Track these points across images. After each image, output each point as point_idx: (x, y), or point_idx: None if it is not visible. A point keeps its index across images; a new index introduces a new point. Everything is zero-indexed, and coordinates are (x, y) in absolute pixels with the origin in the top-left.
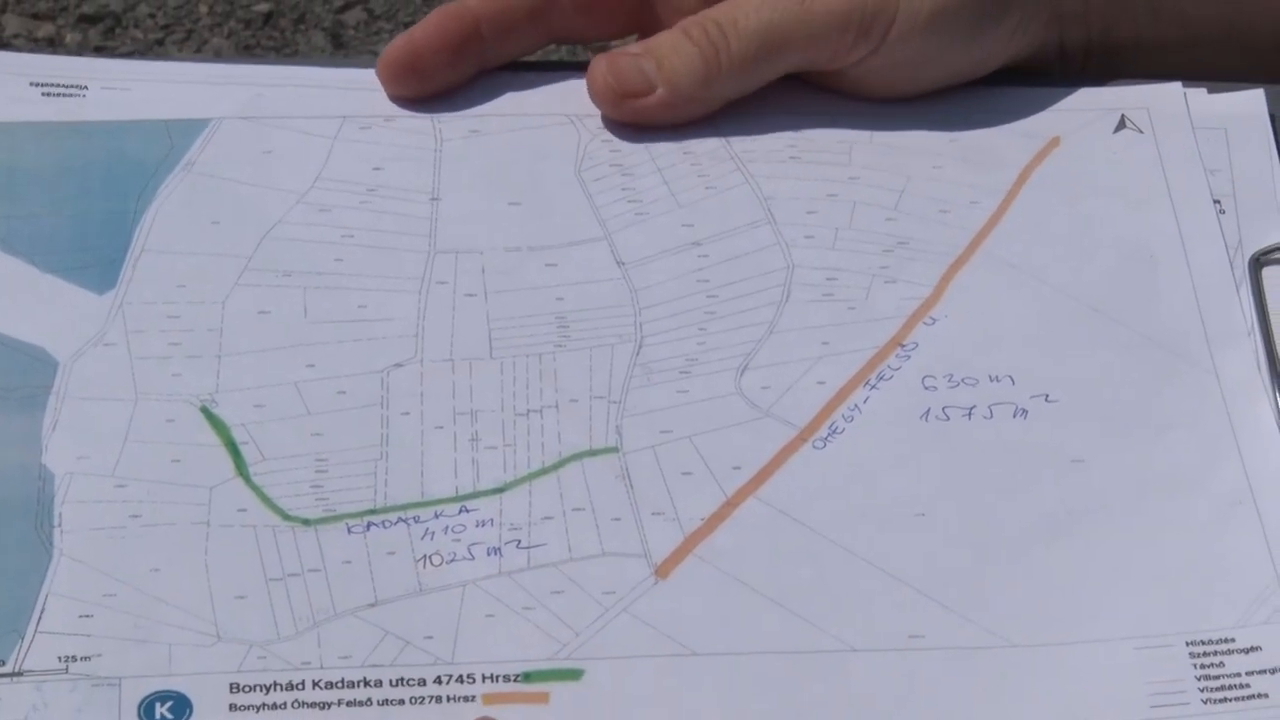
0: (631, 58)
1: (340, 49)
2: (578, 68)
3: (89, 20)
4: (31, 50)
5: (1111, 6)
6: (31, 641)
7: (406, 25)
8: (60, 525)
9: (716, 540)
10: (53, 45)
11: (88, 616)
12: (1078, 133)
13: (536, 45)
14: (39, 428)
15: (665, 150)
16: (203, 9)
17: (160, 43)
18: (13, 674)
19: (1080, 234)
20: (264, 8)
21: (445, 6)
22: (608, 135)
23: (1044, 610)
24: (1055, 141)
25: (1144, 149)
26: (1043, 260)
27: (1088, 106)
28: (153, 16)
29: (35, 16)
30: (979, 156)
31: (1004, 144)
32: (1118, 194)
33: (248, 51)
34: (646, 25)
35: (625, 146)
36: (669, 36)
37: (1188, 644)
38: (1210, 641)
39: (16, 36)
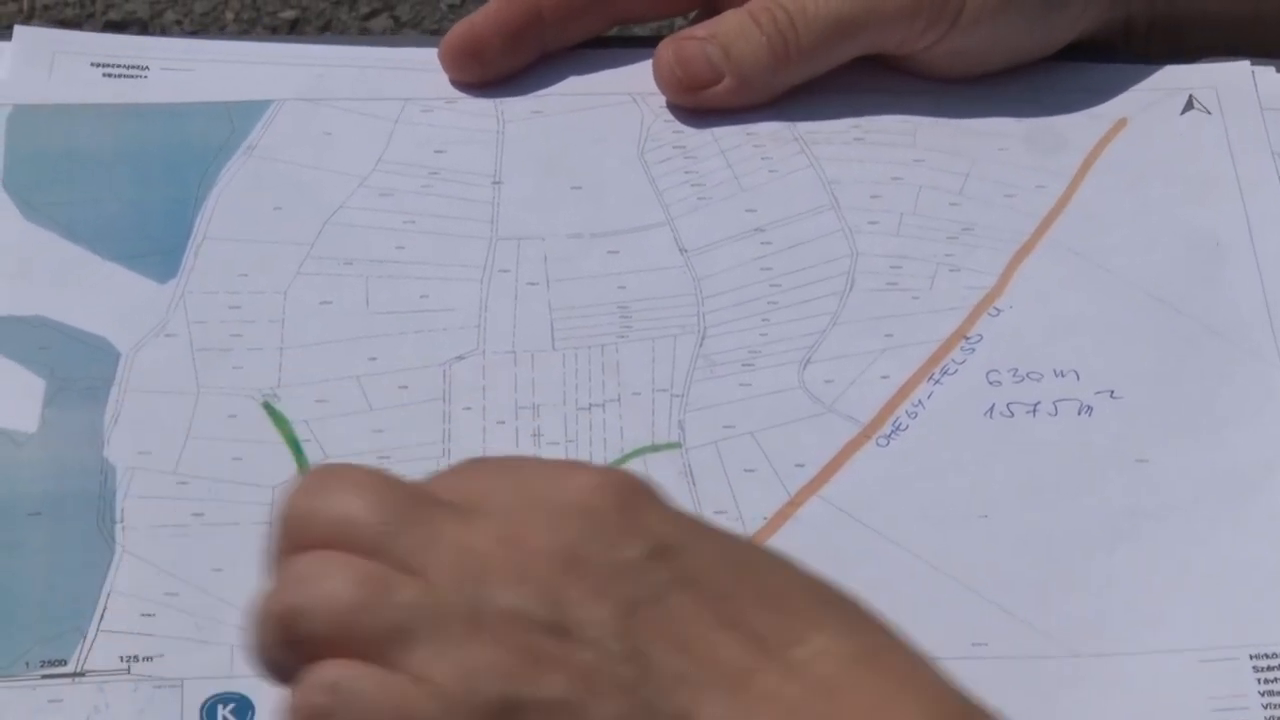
0: (698, 43)
1: None
2: (639, 43)
3: (115, 26)
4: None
5: None
6: (94, 641)
7: (433, 33)
8: (122, 521)
9: (778, 541)
10: None
11: (150, 616)
12: (1144, 114)
13: (599, 29)
14: (100, 420)
15: (728, 132)
16: (229, 15)
17: None
18: (75, 674)
19: (1145, 220)
20: (290, 15)
21: None
22: (670, 116)
23: (1106, 619)
24: (1122, 123)
25: (1211, 131)
26: (1107, 248)
27: (1155, 86)
28: (179, 23)
29: (62, 22)
30: (1045, 138)
31: (1070, 125)
32: (1183, 179)
33: None
34: (712, 1)
35: (688, 128)
36: (736, 20)
37: (1251, 657)
38: (1274, 655)
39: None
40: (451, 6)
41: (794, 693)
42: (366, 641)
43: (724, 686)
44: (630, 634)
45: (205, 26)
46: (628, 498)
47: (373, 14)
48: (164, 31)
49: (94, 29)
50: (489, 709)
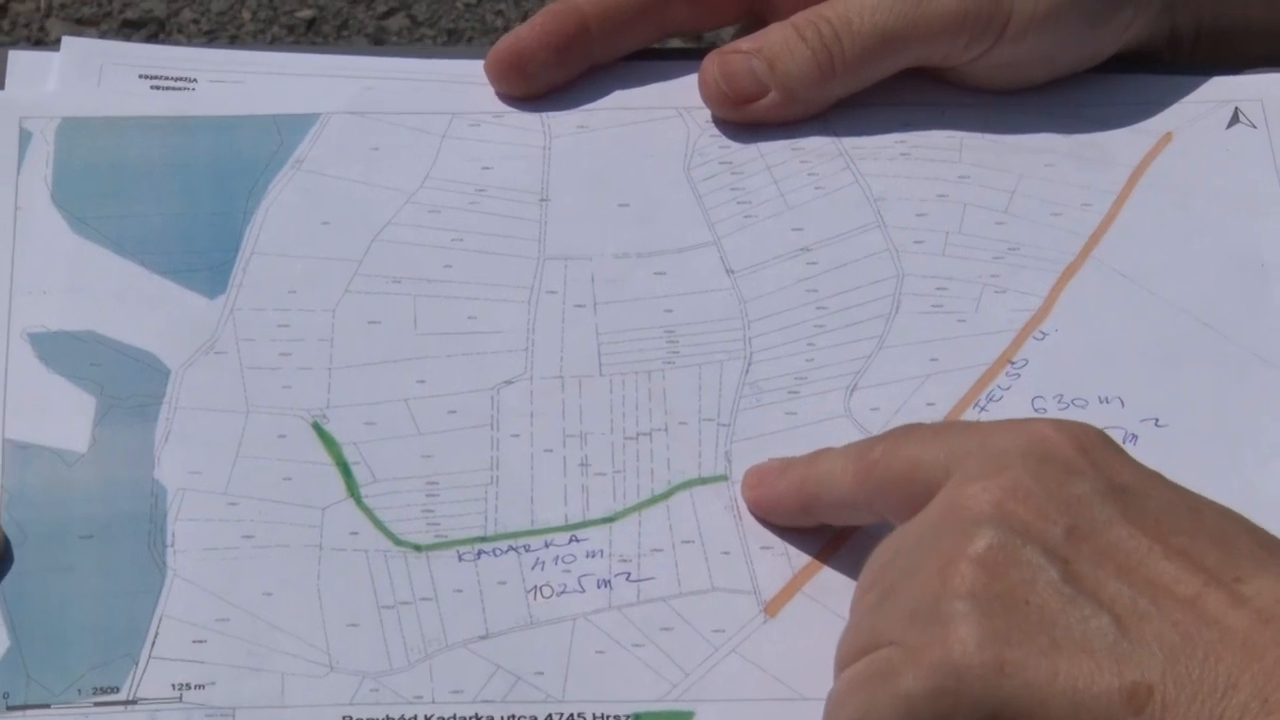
0: (743, 57)
1: None
2: (685, 55)
3: (132, 25)
4: None
5: None
6: (146, 667)
7: (449, 31)
8: (173, 545)
9: (825, 577)
10: None
11: (201, 642)
12: (1190, 127)
13: (647, 41)
14: (151, 440)
15: (774, 147)
16: (245, 15)
17: None
18: (127, 701)
19: (1190, 240)
20: (307, 14)
21: (552, 5)
22: (715, 130)
23: None
24: (1168, 138)
25: (1257, 145)
26: (1152, 268)
27: (1201, 99)
28: (196, 22)
29: (79, 21)
30: (1091, 153)
31: (1116, 140)
32: (1229, 196)
33: None
34: (759, 11)
35: (734, 143)
36: (781, 34)
37: None
38: None
39: (59, 42)
40: (468, 6)
41: (1240, 619)
42: None
43: (1166, 605)
44: (1071, 556)
45: (222, 25)
46: (1085, 442)
47: (389, 13)
48: (180, 30)
49: (111, 27)
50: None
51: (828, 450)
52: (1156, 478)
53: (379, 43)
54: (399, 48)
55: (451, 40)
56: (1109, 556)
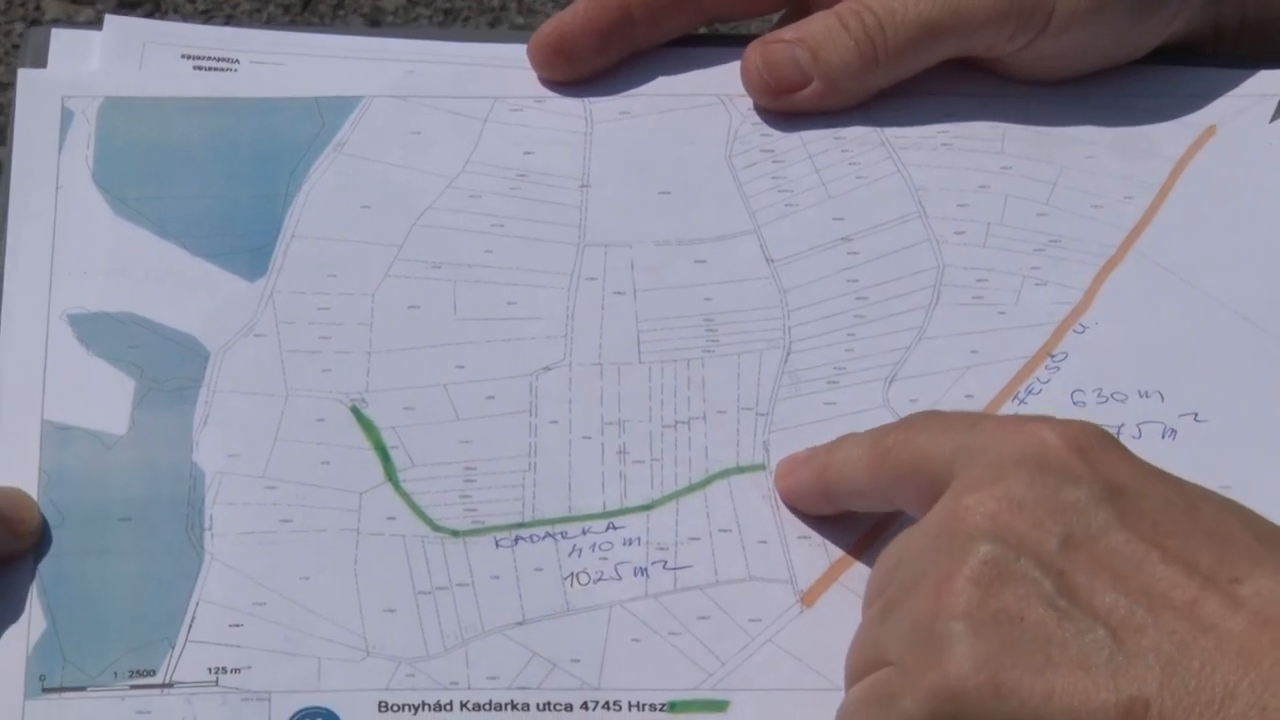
0: (786, 46)
1: None
2: (728, 42)
3: (128, 5)
4: None
5: None
6: (182, 651)
7: (445, 11)
8: (211, 528)
9: (862, 568)
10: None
11: (238, 626)
12: (1233, 120)
13: (688, 28)
14: (190, 423)
15: (816, 136)
16: None
17: None
18: (163, 685)
19: (1232, 235)
20: None
21: None
22: (757, 119)
23: None
24: (1211, 131)
25: None
26: (1194, 263)
27: (1245, 92)
28: (191, 1)
29: (74, 1)
30: (1133, 145)
31: (1159, 133)
32: (1272, 191)
33: None
34: (802, 0)
35: (776, 131)
36: (824, 23)
37: None
38: None
39: (55, 21)
40: None
41: (1237, 623)
42: None
43: (1162, 614)
44: (1066, 567)
45: (217, 4)
46: (1083, 444)
47: None
48: (176, 9)
49: (106, 6)
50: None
51: (848, 437)
52: (1155, 474)
53: (375, 22)
54: (441, 30)
55: (448, 19)
56: (1105, 565)
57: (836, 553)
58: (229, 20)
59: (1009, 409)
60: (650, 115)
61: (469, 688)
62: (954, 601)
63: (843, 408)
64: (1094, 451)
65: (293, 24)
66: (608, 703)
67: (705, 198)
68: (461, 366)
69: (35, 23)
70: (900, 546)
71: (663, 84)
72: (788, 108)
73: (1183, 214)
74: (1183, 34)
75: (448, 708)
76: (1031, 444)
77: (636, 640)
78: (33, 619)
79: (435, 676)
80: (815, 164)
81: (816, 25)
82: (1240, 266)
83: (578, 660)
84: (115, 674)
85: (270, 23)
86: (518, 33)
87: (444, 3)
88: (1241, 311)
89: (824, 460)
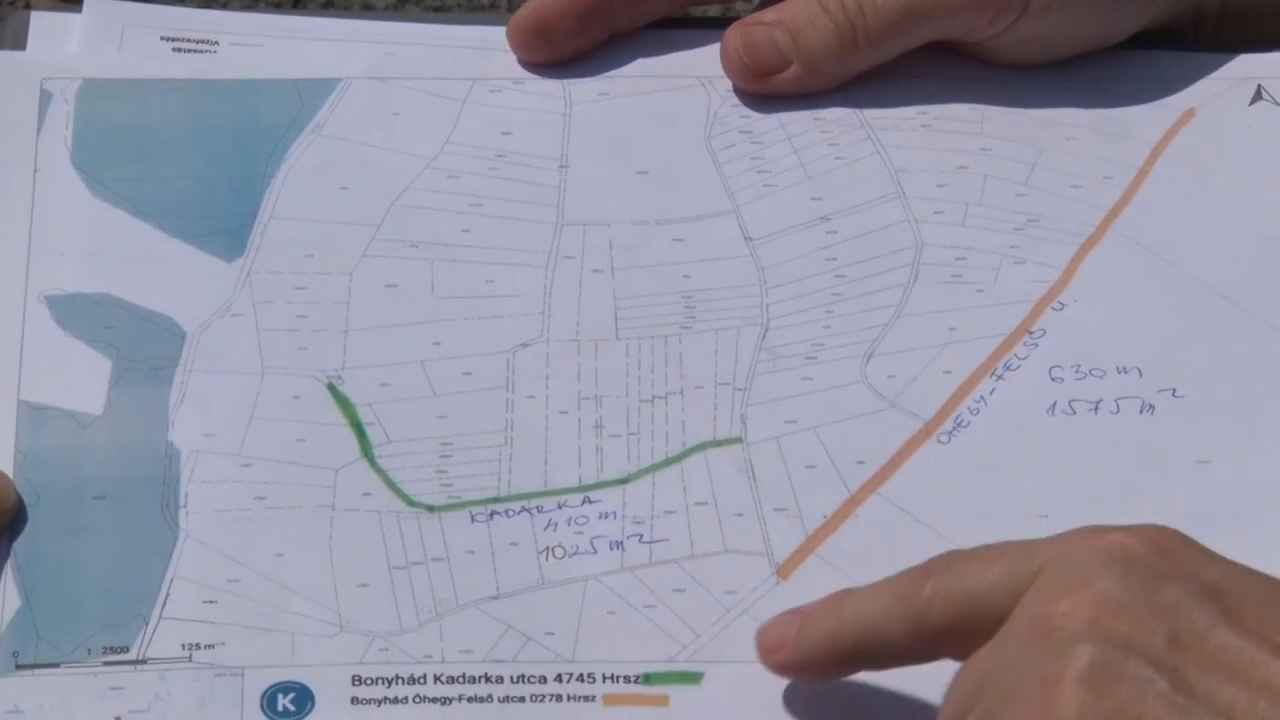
0: (766, 28)
1: None
2: (708, 24)
3: None
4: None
5: None
6: (156, 628)
7: (435, 9)
8: (186, 506)
9: (839, 540)
10: None
11: (211, 603)
12: (1212, 104)
13: (669, 10)
14: (166, 402)
15: (795, 117)
16: None
17: None
18: (136, 661)
19: (1212, 215)
20: None
21: None
22: (737, 100)
23: None
24: (1190, 114)
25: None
26: (1173, 242)
27: (1224, 76)
28: (183, 1)
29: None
30: (1112, 127)
31: (1138, 115)
32: (1251, 173)
33: None
34: None
35: (755, 113)
36: (804, 6)
37: None
38: None
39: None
40: None
41: None
42: None
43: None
44: (1178, 665)
45: (207, 3)
46: (1165, 546)
47: None
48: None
49: None
50: None
51: (850, 593)
52: (1244, 571)
53: (366, 8)
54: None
55: (438, 6)
56: (1216, 662)
57: (813, 525)
58: (224, 6)
59: (988, 384)
60: (629, 97)
61: (443, 661)
62: (1065, 705)
63: (820, 383)
64: (1179, 552)
65: (280, 9)
66: (582, 675)
67: (684, 178)
68: (438, 343)
69: (27, 7)
70: (982, 663)
71: (642, 65)
72: (767, 90)
73: (1162, 195)
74: (1162, 20)
75: (421, 680)
76: (1114, 547)
77: (612, 613)
78: (7, 597)
79: (409, 650)
80: (794, 145)
81: (797, 8)
82: (1218, 246)
83: (552, 633)
84: (89, 651)
85: (257, 7)
86: (497, 15)
87: (433, 1)
88: (1220, 290)
89: (831, 626)
